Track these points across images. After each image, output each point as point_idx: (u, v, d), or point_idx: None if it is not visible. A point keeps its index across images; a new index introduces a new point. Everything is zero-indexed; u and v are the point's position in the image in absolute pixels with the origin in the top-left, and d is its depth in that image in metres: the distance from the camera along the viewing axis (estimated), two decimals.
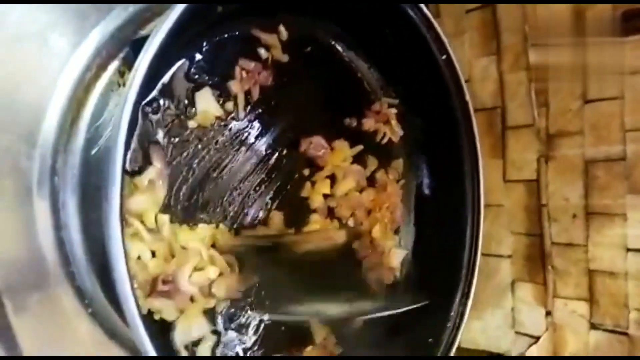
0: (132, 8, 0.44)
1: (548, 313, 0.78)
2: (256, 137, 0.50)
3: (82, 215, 0.39)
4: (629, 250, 0.71)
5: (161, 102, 0.41)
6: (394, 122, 0.57)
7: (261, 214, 0.51)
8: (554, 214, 0.77)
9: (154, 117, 0.41)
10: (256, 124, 0.49)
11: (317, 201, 0.55)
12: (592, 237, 0.74)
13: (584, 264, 0.75)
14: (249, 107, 0.48)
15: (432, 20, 0.48)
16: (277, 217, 0.51)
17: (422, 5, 0.47)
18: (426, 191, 0.62)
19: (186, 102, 0.44)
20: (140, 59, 0.35)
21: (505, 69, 0.81)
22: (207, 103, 0.45)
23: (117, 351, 0.42)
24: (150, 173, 0.40)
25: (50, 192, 0.39)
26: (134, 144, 0.39)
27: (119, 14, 0.43)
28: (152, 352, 0.32)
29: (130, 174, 0.39)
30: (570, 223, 0.76)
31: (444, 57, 0.50)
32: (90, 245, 0.38)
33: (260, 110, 0.49)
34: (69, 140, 0.39)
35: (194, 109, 0.45)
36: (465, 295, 0.53)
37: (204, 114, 0.45)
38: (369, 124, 0.58)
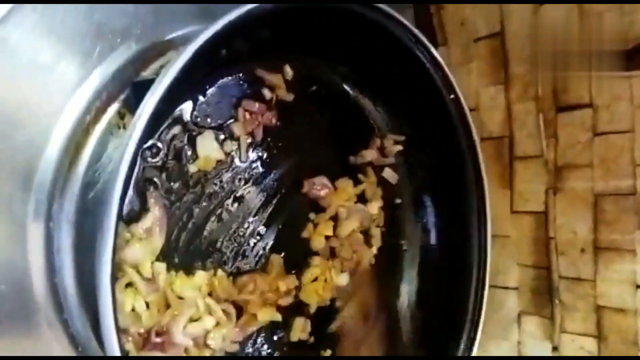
0: (135, 47, 0.43)
1: (555, 348, 0.77)
2: (258, 179, 0.49)
3: (77, 261, 0.38)
4: (638, 287, 0.70)
5: (161, 146, 0.40)
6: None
7: (261, 259, 0.50)
8: (562, 248, 0.76)
9: (153, 162, 0.40)
10: (259, 166, 0.49)
11: (319, 243, 0.54)
12: (601, 272, 0.73)
13: (592, 300, 0.74)
14: (251, 149, 0.48)
15: (441, 60, 0.47)
16: (276, 261, 0.50)
17: (431, 47, 0.46)
18: (432, 233, 0.61)
19: (187, 146, 0.44)
20: (144, 103, 0.34)
21: (513, 98, 0.80)
22: (209, 147, 0.44)
23: None
24: (148, 220, 0.39)
25: (44, 237, 0.38)
26: (131, 189, 0.38)
27: (122, 54, 0.42)
28: None
29: (127, 221, 0.39)
30: (578, 257, 0.75)
31: (452, 96, 0.49)
32: (84, 293, 0.38)
33: (263, 152, 0.49)
34: (66, 184, 0.39)
35: (195, 153, 0.44)
36: (471, 340, 0.51)
37: (206, 158, 0.44)
38: (370, 154, 0.57)
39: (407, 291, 0.60)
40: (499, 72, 0.81)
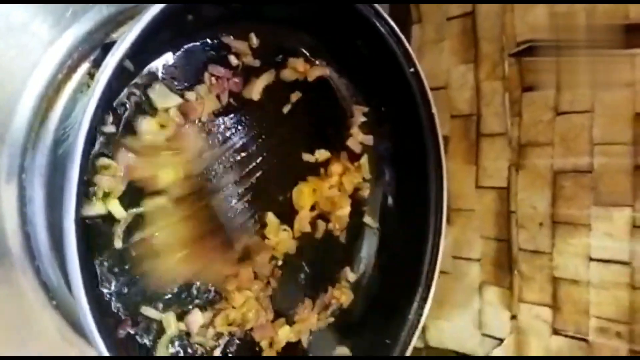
0: (106, 11, 0.45)
1: (513, 317, 0.80)
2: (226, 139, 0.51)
3: (48, 212, 0.40)
4: (591, 259, 0.73)
5: (128, 105, 0.42)
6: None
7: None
8: (522, 221, 0.79)
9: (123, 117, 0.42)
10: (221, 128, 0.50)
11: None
12: (558, 245, 0.76)
13: (549, 271, 0.77)
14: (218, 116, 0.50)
15: (400, 35, 0.49)
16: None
17: (392, 22, 0.48)
18: (390, 200, 0.64)
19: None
20: (105, 61, 0.36)
21: (482, 77, 0.82)
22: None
23: (80, 343, 0.43)
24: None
25: (17, 189, 0.40)
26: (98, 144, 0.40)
27: (94, 17, 0.44)
28: (102, 348, 0.33)
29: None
30: (537, 231, 0.78)
31: (412, 70, 0.51)
32: (54, 241, 0.40)
33: (229, 119, 0.50)
34: (38, 139, 0.41)
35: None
36: (423, 299, 0.55)
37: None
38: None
39: (366, 254, 0.63)
40: (470, 51, 0.83)
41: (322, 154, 0.58)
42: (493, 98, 0.81)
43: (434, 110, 0.53)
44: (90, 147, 0.37)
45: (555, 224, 0.76)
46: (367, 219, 0.65)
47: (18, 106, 0.41)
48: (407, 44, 0.50)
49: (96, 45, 0.43)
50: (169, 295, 0.48)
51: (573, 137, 0.74)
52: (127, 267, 0.44)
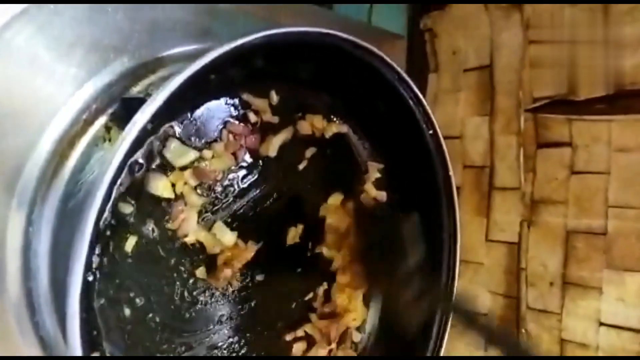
0: (128, 63, 0.45)
1: None
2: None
3: (52, 266, 0.39)
4: (601, 324, 0.72)
5: (143, 163, 0.41)
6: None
7: None
8: (532, 279, 0.78)
9: (138, 176, 0.41)
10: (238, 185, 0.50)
11: None
12: (567, 306, 0.75)
13: (557, 332, 0.76)
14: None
15: (421, 97, 0.49)
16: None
17: (411, 83, 0.48)
18: None
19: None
20: (133, 120, 0.36)
21: (497, 130, 0.82)
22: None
23: None
24: None
25: (23, 241, 0.39)
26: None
27: (114, 69, 0.44)
28: None
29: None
30: (546, 290, 0.77)
31: (431, 132, 0.51)
32: (56, 298, 0.39)
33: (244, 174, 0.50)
34: (48, 191, 0.40)
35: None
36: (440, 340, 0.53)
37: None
38: None
39: (373, 313, 0.62)
40: (485, 104, 0.83)
41: (336, 198, 0.57)
42: (507, 152, 0.81)
43: (451, 172, 0.52)
44: (106, 204, 0.36)
45: (566, 284, 0.75)
46: None
47: (32, 157, 0.40)
48: (427, 106, 0.49)
49: (114, 99, 0.42)
50: None
51: (588, 198, 0.73)
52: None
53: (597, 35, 0.72)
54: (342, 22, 0.70)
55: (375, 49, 0.44)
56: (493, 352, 0.79)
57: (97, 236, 0.36)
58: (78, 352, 0.33)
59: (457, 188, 0.85)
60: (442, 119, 0.87)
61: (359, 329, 0.58)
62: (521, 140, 0.79)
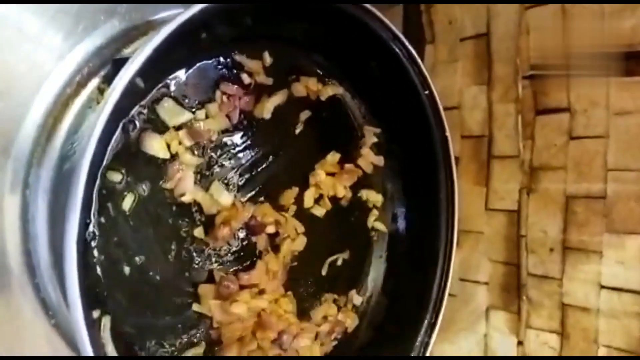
0: (118, 26, 0.45)
1: (520, 342, 0.79)
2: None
3: (50, 229, 0.39)
4: (602, 287, 0.72)
5: (137, 123, 0.41)
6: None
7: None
8: (532, 246, 0.78)
9: (132, 135, 0.41)
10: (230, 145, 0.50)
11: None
12: (568, 271, 0.75)
13: (558, 297, 0.76)
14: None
15: (416, 56, 0.49)
16: None
17: (407, 43, 0.48)
18: (399, 224, 0.63)
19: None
20: (117, 78, 0.36)
21: (495, 99, 0.81)
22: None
23: None
24: None
25: (20, 204, 0.40)
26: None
27: (105, 32, 0.44)
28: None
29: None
30: (547, 256, 0.77)
31: (427, 92, 0.51)
32: (55, 259, 0.39)
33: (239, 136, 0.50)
34: (43, 154, 0.40)
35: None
36: (431, 327, 0.54)
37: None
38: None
39: (373, 278, 0.62)
40: (483, 73, 0.83)
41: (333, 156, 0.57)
42: (505, 120, 0.80)
43: (448, 133, 0.52)
44: (99, 164, 0.36)
45: (566, 249, 0.75)
46: (379, 225, 0.64)
47: (25, 120, 0.40)
48: (422, 66, 0.49)
49: (107, 61, 0.43)
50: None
51: (586, 162, 0.73)
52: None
53: None
54: None
55: (369, 7, 0.44)
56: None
57: (91, 197, 0.36)
58: (79, 308, 0.33)
59: (456, 158, 0.85)
60: (440, 90, 0.87)
61: (359, 291, 0.59)
62: (519, 107, 0.79)
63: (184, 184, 0.44)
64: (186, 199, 0.45)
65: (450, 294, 0.86)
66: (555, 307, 0.76)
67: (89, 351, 0.32)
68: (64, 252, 0.31)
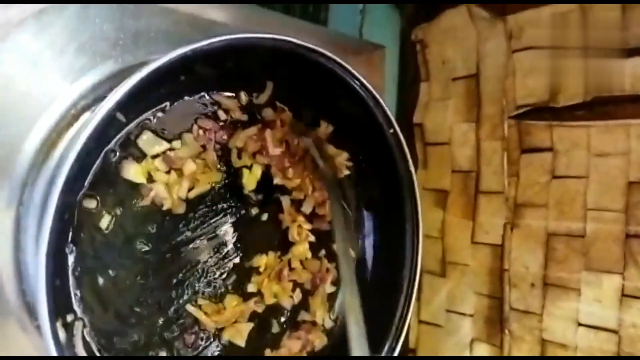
0: (113, 66, 0.51)
1: None
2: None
3: (35, 241, 0.45)
4: (580, 325, 0.73)
5: (117, 150, 0.47)
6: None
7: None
8: (514, 280, 0.80)
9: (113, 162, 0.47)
10: None
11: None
12: (548, 307, 0.76)
13: (538, 333, 0.77)
14: None
15: (378, 97, 0.53)
16: None
17: (373, 90, 0.52)
18: (367, 251, 0.67)
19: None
20: (99, 107, 0.41)
21: (483, 136, 0.85)
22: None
23: None
24: None
25: (14, 218, 0.46)
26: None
27: (100, 71, 0.50)
28: None
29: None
30: (528, 291, 0.79)
31: (391, 131, 0.55)
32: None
33: None
34: (37, 176, 0.46)
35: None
36: (392, 351, 0.57)
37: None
38: None
39: (341, 301, 0.65)
40: (472, 111, 0.86)
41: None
42: (492, 157, 0.83)
43: (412, 167, 0.56)
44: (78, 188, 0.42)
45: (547, 285, 0.77)
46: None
47: (24, 146, 0.47)
48: (385, 107, 0.53)
49: (100, 97, 0.49)
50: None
51: (567, 201, 0.76)
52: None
53: (577, 42, 0.75)
54: (331, 36, 0.75)
55: (330, 54, 0.49)
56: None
57: (65, 216, 0.42)
58: (45, 313, 0.38)
59: (445, 192, 0.89)
60: (433, 126, 0.91)
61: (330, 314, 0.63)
62: (505, 146, 0.82)
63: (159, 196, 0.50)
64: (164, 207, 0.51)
65: (437, 325, 0.89)
66: (535, 342, 0.78)
67: (52, 350, 0.37)
68: (37, 264, 0.37)
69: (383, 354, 0.55)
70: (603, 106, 0.74)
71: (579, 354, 0.73)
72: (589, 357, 0.71)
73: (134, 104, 0.43)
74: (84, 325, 0.45)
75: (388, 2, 0.91)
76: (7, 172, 0.46)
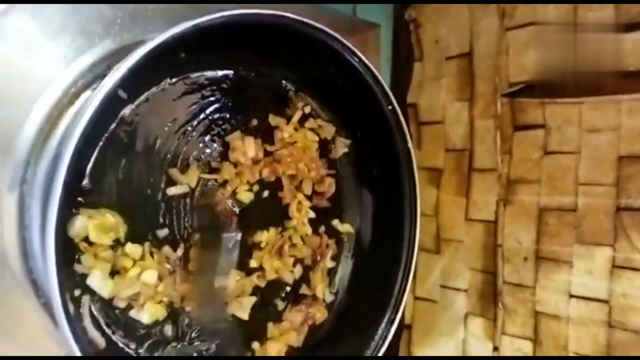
0: (111, 45, 0.51)
1: (495, 348, 0.82)
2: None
3: (42, 218, 0.45)
4: (572, 296, 0.75)
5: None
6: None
7: None
8: (508, 255, 0.82)
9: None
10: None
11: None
12: (540, 280, 0.78)
13: (531, 305, 0.79)
14: None
15: (377, 74, 0.54)
16: None
17: (371, 66, 0.53)
18: (366, 227, 0.69)
19: None
20: (101, 85, 0.42)
21: (476, 115, 0.86)
22: None
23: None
24: None
25: (18, 197, 0.46)
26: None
27: (98, 50, 0.50)
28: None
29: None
30: (521, 265, 0.80)
31: (390, 107, 0.56)
32: (44, 245, 0.45)
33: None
34: (40, 154, 0.46)
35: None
36: (391, 322, 0.58)
37: None
38: None
39: (341, 275, 0.67)
40: (465, 90, 0.87)
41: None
42: (485, 135, 0.84)
43: (410, 145, 0.57)
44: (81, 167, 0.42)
45: (539, 259, 0.78)
46: (346, 226, 0.69)
47: (25, 124, 0.47)
48: (384, 83, 0.54)
49: (99, 75, 0.49)
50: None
51: (559, 176, 0.77)
52: None
53: (569, 19, 0.75)
54: (325, 13, 0.75)
55: (330, 31, 0.49)
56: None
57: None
58: (55, 287, 0.39)
59: (439, 170, 0.90)
60: (426, 105, 0.92)
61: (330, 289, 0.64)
62: (498, 123, 0.83)
63: None
64: None
65: (431, 300, 0.91)
66: (528, 314, 0.80)
67: (64, 326, 0.38)
68: (46, 239, 0.37)
69: (382, 326, 0.57)
70: (594, 82, 0.75)
71: (570, 325, 0.75)
72: (589, 357, 0.73)
73: (134, 80, 0.43)
74: (92, 300, 0.46)
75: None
76: (9, 152, 0.46)
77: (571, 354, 0.75)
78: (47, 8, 0.48)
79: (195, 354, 0.55)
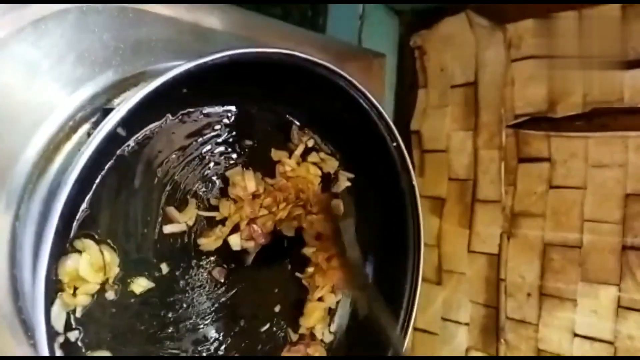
0: (112, 77, 0.50)
1: None
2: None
3: (34, 257, 0.44)
4: (576, 335, 0.73)
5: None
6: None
7: None
8: (511, 290, 0.80)
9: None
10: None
11: None
12: (544, 317, 0.77)
13: (534, 342, 0.78)
14: None
15: (384, 113, 0.53)
16: None
17: (375, 102, 0.51)
18: (369, 264, 0.67)
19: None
20: (101, 125, 0.40)
21: (480, 145, 0.85)
22: None
23: None
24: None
25: (10, 234, 0.45)
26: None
27: (99, 82, 0.49)
28: None
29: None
30: (524, 301, 0.79)
31: (394, 144, 0.55)
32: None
33: None
34: (34, 190, 0.45)
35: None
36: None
37: None
38: None
39: (340, 315, 0.65)
40: (470, 119, 0.86)
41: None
42: (490, 166, 0.83)
43: (415, 182, 0.55)
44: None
45: (543, 295, 0.77)
46: None
47: (21, 158, 0.45)
48: (388, 119, 0.53)
49: (98, 109, 0.47)
50: None
51: (564, 212, 0.76)
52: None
53: (576, 53, 0.75)
54: (330, 43, 0.75)
55: (336, 69, 0.48)
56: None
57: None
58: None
59: (442, 200, 0.89)
60: (430, 133, 0.91)
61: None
62: (503, 155, 0.82)
63: None
64: None
65: (432, 333, 0.89)
66: (531, 351, 0.78)
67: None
68: (35, 284, 0.36)
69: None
70: (601, 118, 0.74)
71: None
72: (589, 357, 0.71)
73: (134, 118, 0.42)
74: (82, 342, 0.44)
75: (387, 2, 0.90)
76: (3, 185, 0.44)
77: None
78: (49, 36, 0.47)
79: None
